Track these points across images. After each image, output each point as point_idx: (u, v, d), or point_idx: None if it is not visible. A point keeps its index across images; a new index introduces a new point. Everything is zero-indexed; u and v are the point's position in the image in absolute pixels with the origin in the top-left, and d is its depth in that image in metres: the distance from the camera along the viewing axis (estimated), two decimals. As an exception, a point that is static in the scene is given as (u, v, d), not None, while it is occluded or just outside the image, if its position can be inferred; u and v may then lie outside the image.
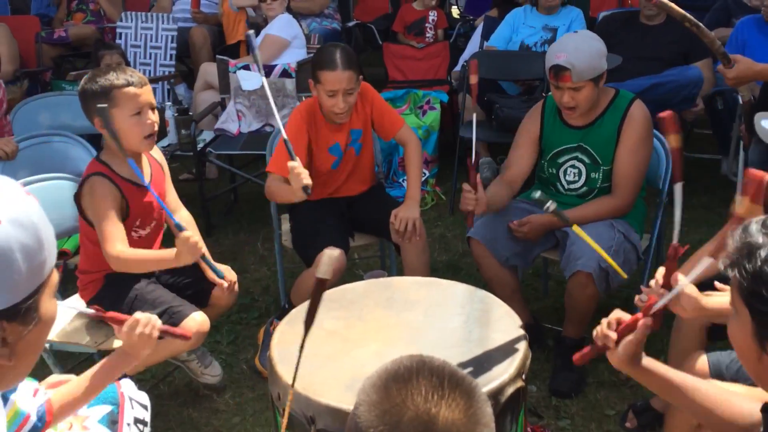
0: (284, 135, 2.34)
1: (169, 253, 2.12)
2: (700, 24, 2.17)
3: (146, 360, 2.17)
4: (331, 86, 2.55)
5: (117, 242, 2.13)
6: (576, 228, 1.81)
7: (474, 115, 2.45)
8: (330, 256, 1.31)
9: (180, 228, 2.06)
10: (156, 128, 2.23)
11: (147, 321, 1.57)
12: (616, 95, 2.57)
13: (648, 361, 1.38)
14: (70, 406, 1.50)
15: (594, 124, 2.57)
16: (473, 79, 2.47)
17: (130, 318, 1.56)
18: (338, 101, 2.57)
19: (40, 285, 0.92)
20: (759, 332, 1.05)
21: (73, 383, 1.53)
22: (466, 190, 2.39)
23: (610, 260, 2.01)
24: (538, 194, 1.79)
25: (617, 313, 1.42)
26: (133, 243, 2.25)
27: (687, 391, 1.34)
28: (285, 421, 1.41)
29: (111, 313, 1.57)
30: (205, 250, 2.21)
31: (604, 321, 1.42)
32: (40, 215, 0.92)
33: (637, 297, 1.72)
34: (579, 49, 2.42)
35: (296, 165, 2.32)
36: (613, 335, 1.39)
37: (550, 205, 1.74)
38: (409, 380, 0.91)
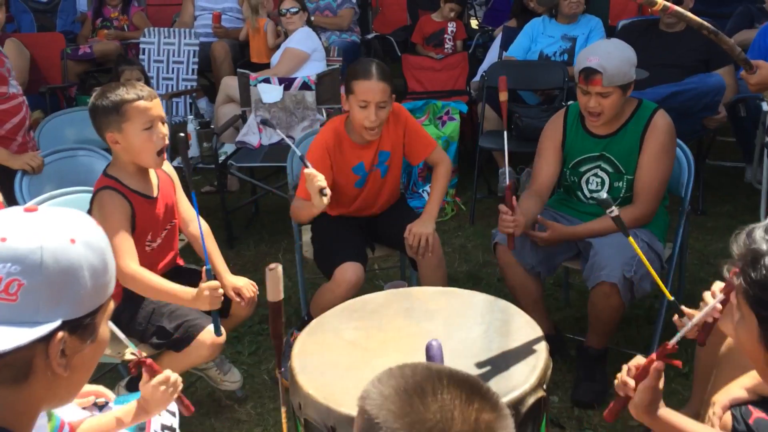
0: (309, 168, 2.38)
1: (188, 293, 2.14)
2: (719, 31, 2.15)
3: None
4: (365, 96, 2.51)
5: (128, 258, 2.14)
6: (631, 240, 1.73)
7: (505, 133, 2.49)
8: (273, 277, 1.24)
9: (210, 276, 2.08)
10: (167, 141, 2.25)
11: (174, 381, 1.63)
12: (639, 105, 2.57)
13: (665, 412, 1.34)
14: None
15: (617, 134, 2.56)
16: (503, 96, 2.48)
17: (162, 373, 1.62)
18: (370, 113, 2.51)
19: (100, 306, 1.00)
20: (766, 336, 1.05)
21: (97, 419, 1.64)
22: (503, 212, 2.34)
23: (657, 278, 1.73)
24: (605, 195, 1.75)
25: (637, 359, 1.38)
26: (145, 255, 2.25)
27: None
28: (284, 411, 1.40)
29: (150, 362, 1.62)
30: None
31: (624, 367, 1.38)
32: (107, 244, 1.04)
33: (675, 317, 1.65)
34: (611, 54, 2.43)
35: (311, 170, 2.36)
36: (632, 383, 1.35)
37: (615, 209, 1.70)
38: (434, 392, 0.90)
